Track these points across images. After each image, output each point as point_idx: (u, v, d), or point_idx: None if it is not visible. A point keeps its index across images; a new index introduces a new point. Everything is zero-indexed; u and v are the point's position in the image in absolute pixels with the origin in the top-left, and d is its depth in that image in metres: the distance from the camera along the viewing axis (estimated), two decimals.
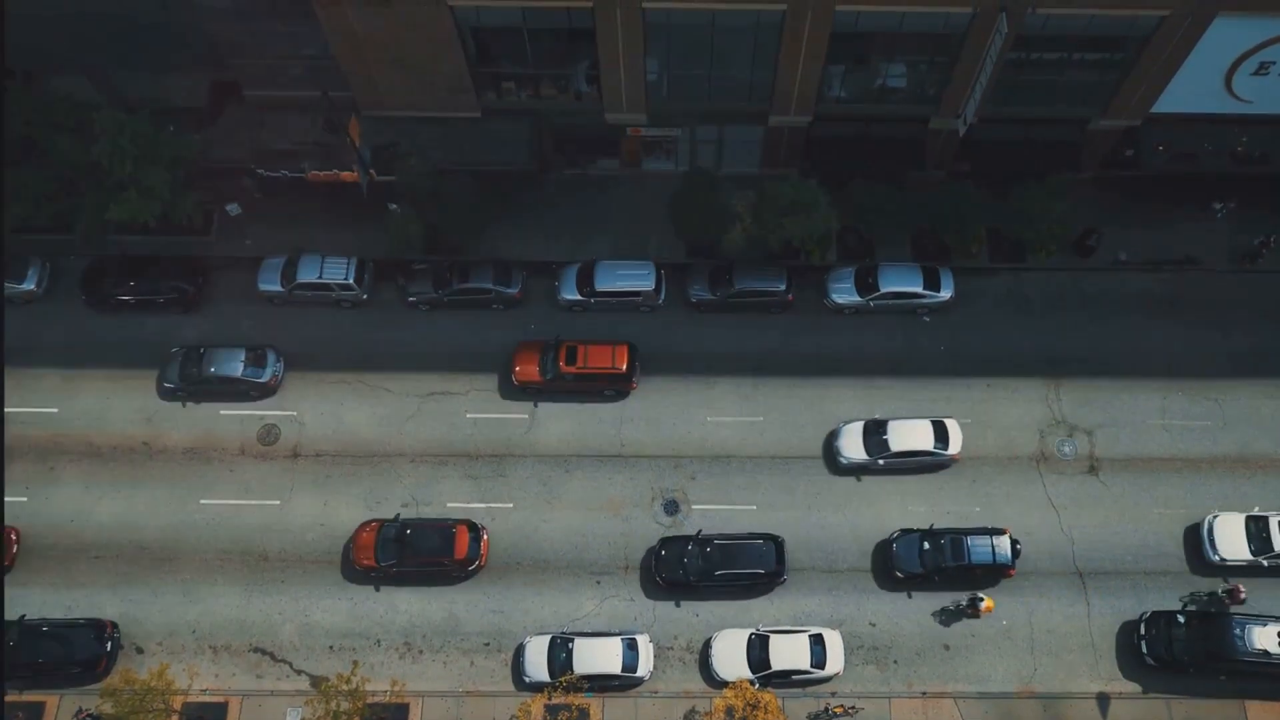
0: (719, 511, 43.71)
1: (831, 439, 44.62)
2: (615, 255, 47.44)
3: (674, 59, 42.26)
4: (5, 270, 45.70)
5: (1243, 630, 40.42)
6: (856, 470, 44.24)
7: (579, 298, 46.63)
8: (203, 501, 43.82)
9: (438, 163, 44.67)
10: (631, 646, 40.73)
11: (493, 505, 43.87)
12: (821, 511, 43.85)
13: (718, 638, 41.47)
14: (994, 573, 42.19)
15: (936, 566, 41.82)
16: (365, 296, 46.94)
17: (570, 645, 40.69)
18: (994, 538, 42.01)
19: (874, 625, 42.31)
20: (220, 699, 41.13)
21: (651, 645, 41.40)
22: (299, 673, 41.56)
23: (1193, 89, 42.52)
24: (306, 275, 46.05)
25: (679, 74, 43.13)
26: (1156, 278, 47.92)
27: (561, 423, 45.30)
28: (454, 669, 41.75)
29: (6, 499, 41.99)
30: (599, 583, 42.85)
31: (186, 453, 44.67)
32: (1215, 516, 42.87)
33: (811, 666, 40.45)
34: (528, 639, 41.48)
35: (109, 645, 40.84)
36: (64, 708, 40.74)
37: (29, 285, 46.42)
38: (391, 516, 42.83)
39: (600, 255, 47.38)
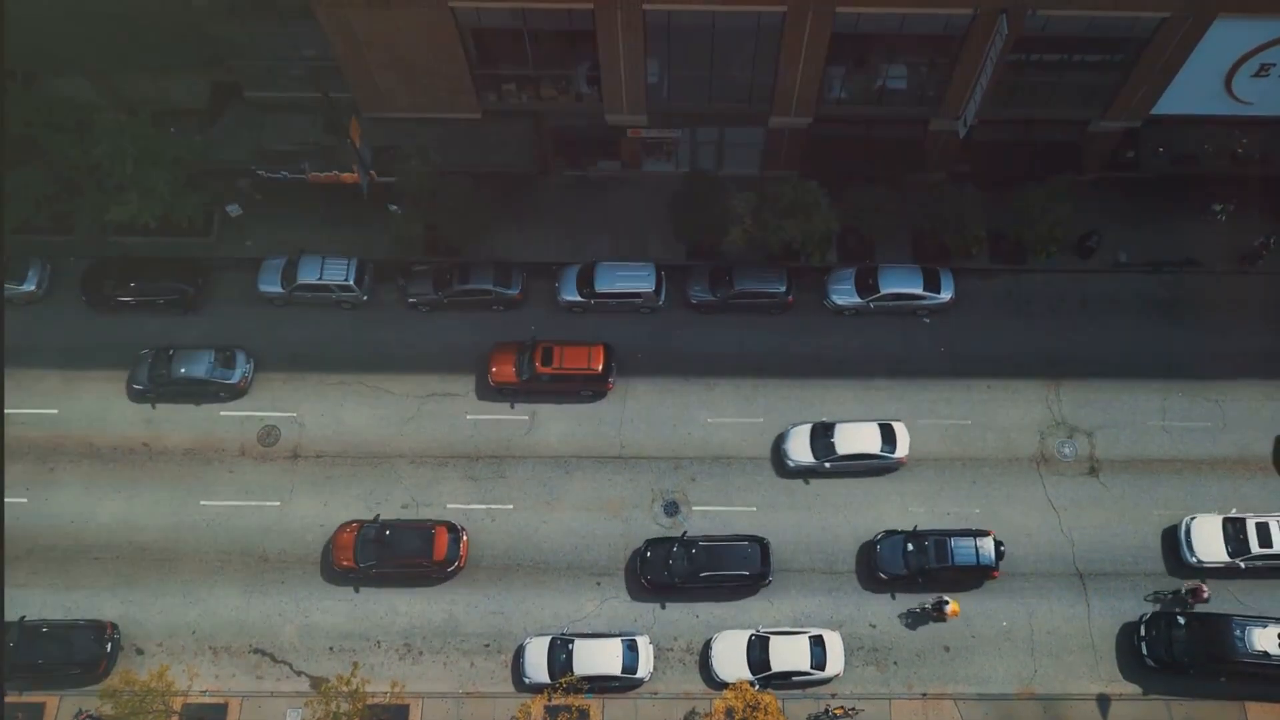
0: (719, 513, 43.74)
1: (779, 441, 44.64)
2: (615, 256, 47.45)
3: (675, 60, 42.28)
4: (5, 271, 45.70)
5: (1243, 632, 40.39)
6: (804, 473, 44.22)
7: (579, 299, 46.63)
8: (203, 502, 43.82)
9: (438, 164, 44.69)
10: (631, 648, 40.73)
11: (493, 506, 43.88)
12: (822, 513, 43.85)
13: (718, 639, 41.46)
14: (978, 574, 42.17)
15: (920, 568, 41.74)
16: (365, 298, 46.95)
17: (570, 646, 40.68)
18: (978, 539, 41.92)
19: (874, 626, 42.31)
20: (220, 700, 41.11)
21: (651, 646, 41.40)
22: (299, 674, 41.56)
23: (1193, 91, 42.55)
24: (307, 276, 46.05)
25: (680, 75, 43.16)
26: (1157, 279, 47.94)
27: (561, 424, 45.31)
28: (454, 670, 41.75)
29: (6, 500, 41.96)
30: (599, 584, 42.86)
31: (186, 454, 44.67)
32: (1193, 518, 42.85)
33: (812, 668, 40.44)
34: (528, 640, 41.48)
35: (109, 646, 40.83)
36: (64, 709, 40.71)
37: (29, 286, 46.41)
38: (371, 517, 42.81)
39: (600, 256, 47.39)
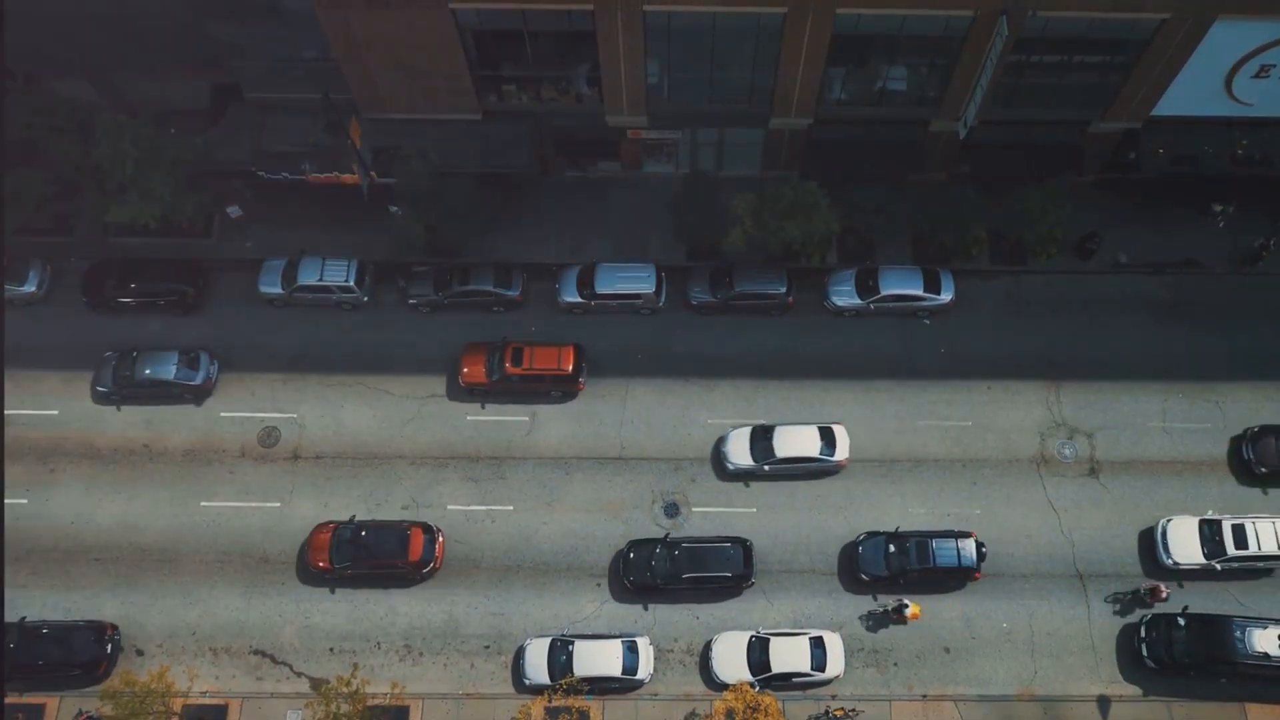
0: (720, 514, 43.73)
1: (719, 444, 44.58)
2: (615, 257, 47.44)
3: (675, 61, 42.28)
4: (5, 272, 45.70)
5: (1243, 633, 40.34)
6: (744, 476, 44.15)
7: (579, 300, 46.62)
8: (203, 504, 43.82)
9: (438, 165, 44.68)
10: (632, 649, 40.72)
11: (493, 507, 43.88)
12: (823, 514, 43.83)
13: (718, 640, 41.45)
14: (959, 576, 42.14)
15: (902, 569, 41.70)
16: (366, 298, 46.96)
17: (570, 647, 40.67)
18: (959, 541, 41.86)
19: (870, 628, 42.29)
20: (220, 701, 41.11)
21: (652, 648, 41.40)
22: (299, 675, 41.56)
23: (1193, 92, 42.54)
24: (307, 277, 46.06)
25: (680, 76, 43.15)
26: (1157, 280, 47.92)
27: (561, 425, 45.30)
28: (454, 671, 41.74)
29: (6, 500, 41.96)
30: (599, 585, 42.84)
31: (187, 455, 44.67)
32: (1169, 520, 42.78)
33: (812, 669, 40.44)
34: (528, 641, 41.47)
35: (109, 647, 40.82)
36: (64, 709, 40.70)
37: (30, 287, 46.41)
38: (347, 518, 42.76)
39: (600, 257, 47.38)
